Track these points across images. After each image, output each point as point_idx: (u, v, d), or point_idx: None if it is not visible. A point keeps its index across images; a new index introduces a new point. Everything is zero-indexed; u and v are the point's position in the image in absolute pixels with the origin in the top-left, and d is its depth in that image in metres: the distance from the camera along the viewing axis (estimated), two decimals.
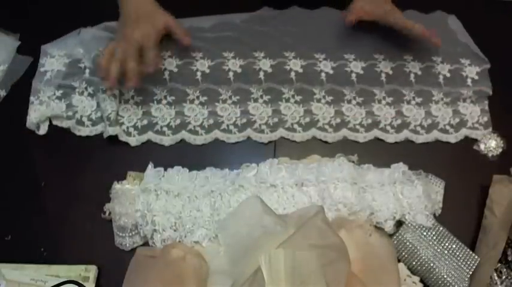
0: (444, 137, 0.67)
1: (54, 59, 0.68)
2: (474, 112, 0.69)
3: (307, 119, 0.67)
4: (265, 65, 0.70)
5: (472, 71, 0.72)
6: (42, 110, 0.64)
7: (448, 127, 0.68)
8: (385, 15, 0.69)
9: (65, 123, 0.65)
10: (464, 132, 0.67)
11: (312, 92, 0.68)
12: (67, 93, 0.66)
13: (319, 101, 0.68)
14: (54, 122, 0.65)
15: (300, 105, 0.67)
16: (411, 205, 0.58)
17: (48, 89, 0.66)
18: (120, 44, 0.62)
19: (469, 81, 0.71)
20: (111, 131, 0.62)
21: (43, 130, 0.64)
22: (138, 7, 0.65)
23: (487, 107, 0.69)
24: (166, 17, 0.67)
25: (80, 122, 0.65)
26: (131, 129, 0.64)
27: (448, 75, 0.71)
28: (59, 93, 0.66)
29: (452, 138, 0.67)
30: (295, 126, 0.66)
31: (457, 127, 0.68)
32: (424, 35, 0.67)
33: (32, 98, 0.65)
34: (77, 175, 0.62)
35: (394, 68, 0.72)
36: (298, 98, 0.68)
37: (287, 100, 0.68)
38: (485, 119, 0.68)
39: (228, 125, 0.66)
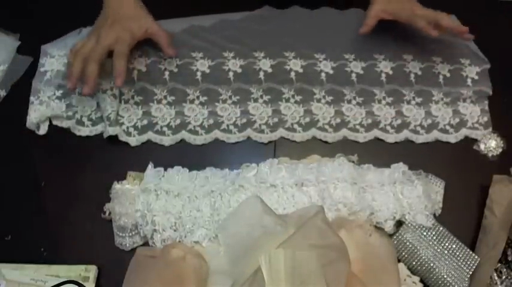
0: (444, 137, 0.67)
1: (54, 59, 0.68)
2: (474, 112, 0.69)
3: (307, 119, 0.67)
4: (265, 65, 0.70)
5: (472, 71, 0.72)
6: (42, 110, 0.64)
7: (448, 127, 0.68)
8: (411, 18, 0.68)
9: (65, 123, 0.65)
10: (464, 132, 0.67)
11: (312, 92, 0.68)
12: (67, 93, 0.66)
13: (319, 101, 0.68)
14: (54, 122, 0.65)
15: (300, 105, 0.67)
16: (411, 205, 0.58)
17: (48, 89, 0.66)
18: (90, 43, 0.60)
19: (469, 81, 0.71)
20: (111, 131, 0.62)
21: (43, 130, 0.64)
22: (120, 8, 0.63)
23: (487, 107, 0.69)
24: (149, 23, 0.64)
25: (80, 122, 0.65)
26: (131, 129, 0.64)
27: (448, 75, 0.71)
28: (59, 93, 0.66)
29: (452, 138, 0.67)
30: (295, 126, 0.66)
31: (457, 127, 0.68)
32: (455, 31, 0.67)
33: (32, 98, 0.65)
34: (77, 175, 0.62)
35: (394, 68, 0.72)
36: (298, 98, 0.68)
37: (287, 100, 0.68)
38: (485, 119, 0.68)
39: (228, 125, 0.66)
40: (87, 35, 0.67)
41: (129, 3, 0.64)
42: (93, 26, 0.64)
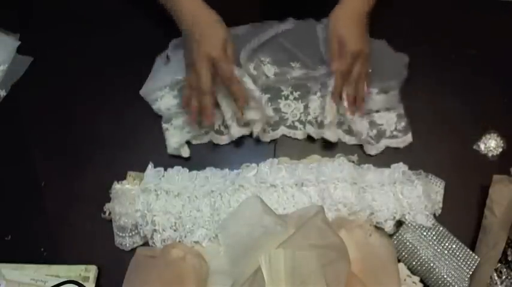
0: (394, 143, 0.65)
1: (164, 97, 0.65)
2: (391, 119, 0.66)
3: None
4: (269, 71, 0.67)
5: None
6: (179, 135, 0.63)
7: (395, 133, 0.66)
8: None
9: (204, 139, 0.64)
10: (384, 142, 0.65)
11: (308, 88, 0.67)
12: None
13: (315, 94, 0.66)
14: (194, 142, 0.64)
15: (299, 101, 0.66)
16: (411, 205, 0.58)
17: (176, 119, 0.64)
18: (193, 80, 0.60)
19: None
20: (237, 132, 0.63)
21: (185, 153, 0.63)
22: (198, 20, 0.60)
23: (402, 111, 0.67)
24: (226, 34, 0.60)
25: (218, 132, 0.64)
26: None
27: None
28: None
29: (400, 143, 0.65)
30: (296, 123, 0.66)
31: (403, 131, 0.66)
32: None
33: (165, 125, 0.64)
34: (77, 175, 0.62)
35: None
36: (296, 94, 0.67)
37: (286, 97, 0.67)
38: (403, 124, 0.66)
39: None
40: (172, 63, 0.67)
41: (204, 13, 0.61)
42: (184, 53, 0.63)
